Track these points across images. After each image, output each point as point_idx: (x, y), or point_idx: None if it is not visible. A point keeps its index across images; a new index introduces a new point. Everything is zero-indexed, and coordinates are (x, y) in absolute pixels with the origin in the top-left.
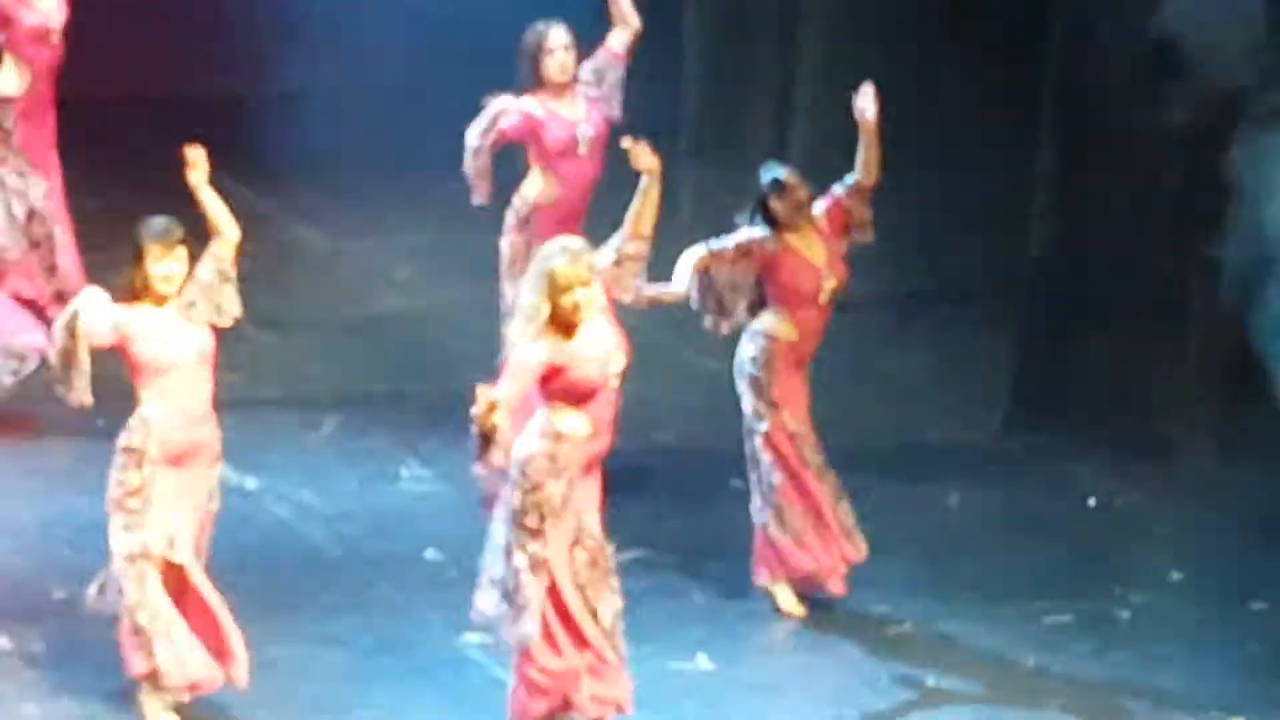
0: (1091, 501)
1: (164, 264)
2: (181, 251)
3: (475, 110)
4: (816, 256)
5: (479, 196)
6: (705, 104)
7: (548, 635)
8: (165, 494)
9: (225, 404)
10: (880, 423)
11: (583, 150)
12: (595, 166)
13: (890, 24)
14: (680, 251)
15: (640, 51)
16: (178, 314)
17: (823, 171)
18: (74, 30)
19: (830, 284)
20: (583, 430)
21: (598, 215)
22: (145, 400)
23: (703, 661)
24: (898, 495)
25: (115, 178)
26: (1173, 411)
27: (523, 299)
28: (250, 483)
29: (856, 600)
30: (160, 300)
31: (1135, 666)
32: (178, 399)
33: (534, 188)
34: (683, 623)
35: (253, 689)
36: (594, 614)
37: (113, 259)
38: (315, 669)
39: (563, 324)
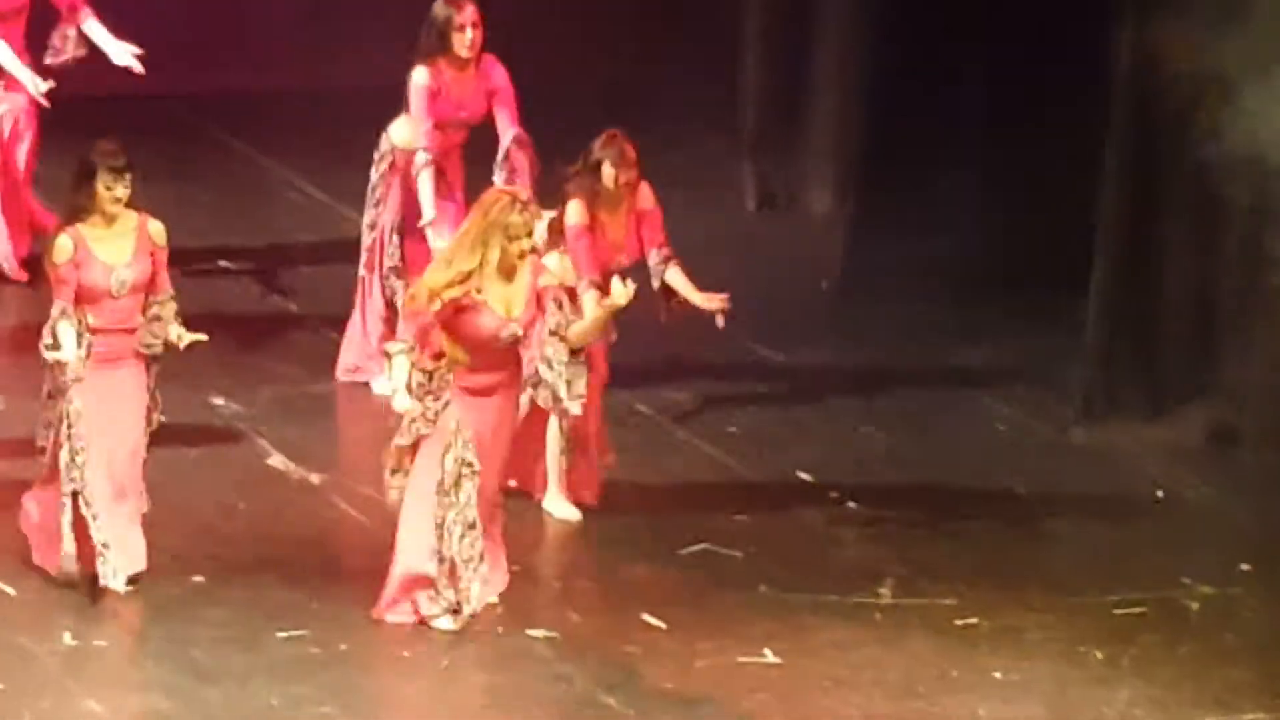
0: (1160, 493)
1: (115, 188)
2: (128, 176)
3: None
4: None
5: None
6: (765, 96)
7: None
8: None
9: (288, 397)
10: (948, 413)
11: None
12: None
13: (953, 17)
14: (743, 241)
15: (701, 44)
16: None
17: (884, 164)
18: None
19: None
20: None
21: None
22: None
23: (770, 655)
24: (966, 486)
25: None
26: (1242, 403)
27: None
28: (315, 478)
29: (925, 592)
30: (110, 220)
31: (1205, 659)
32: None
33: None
34: (750, 616)
35: (321, 680)
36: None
37: None
38: (378, 663)
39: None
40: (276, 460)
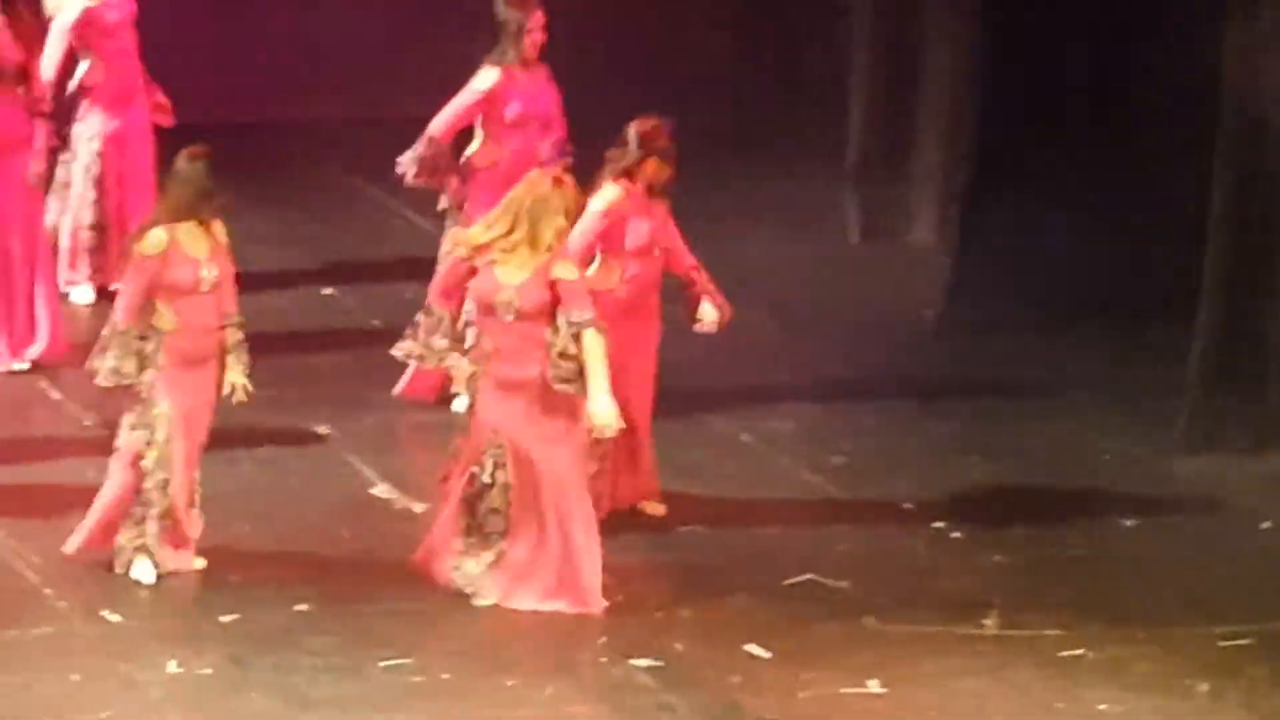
0: (1266, 524)
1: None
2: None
3: None
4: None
5: None
6: (870, 127)
7: None
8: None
9: (392, 426)
10: (1052, 443)
11: None
12: None
13: (1059, 41)
14: (847, 272)
15: (806, 72)
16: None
17: (988, 195)
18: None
19: None
20: None
21: None
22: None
23: (874, 686)
24: (1070, 517)
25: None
26: None
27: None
28: (417, 507)
29: (1029, 624)
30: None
31: None
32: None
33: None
34: (853, 647)
35: (423, 709)
36: None
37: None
38: (481, 692)
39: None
40: (380, 489)
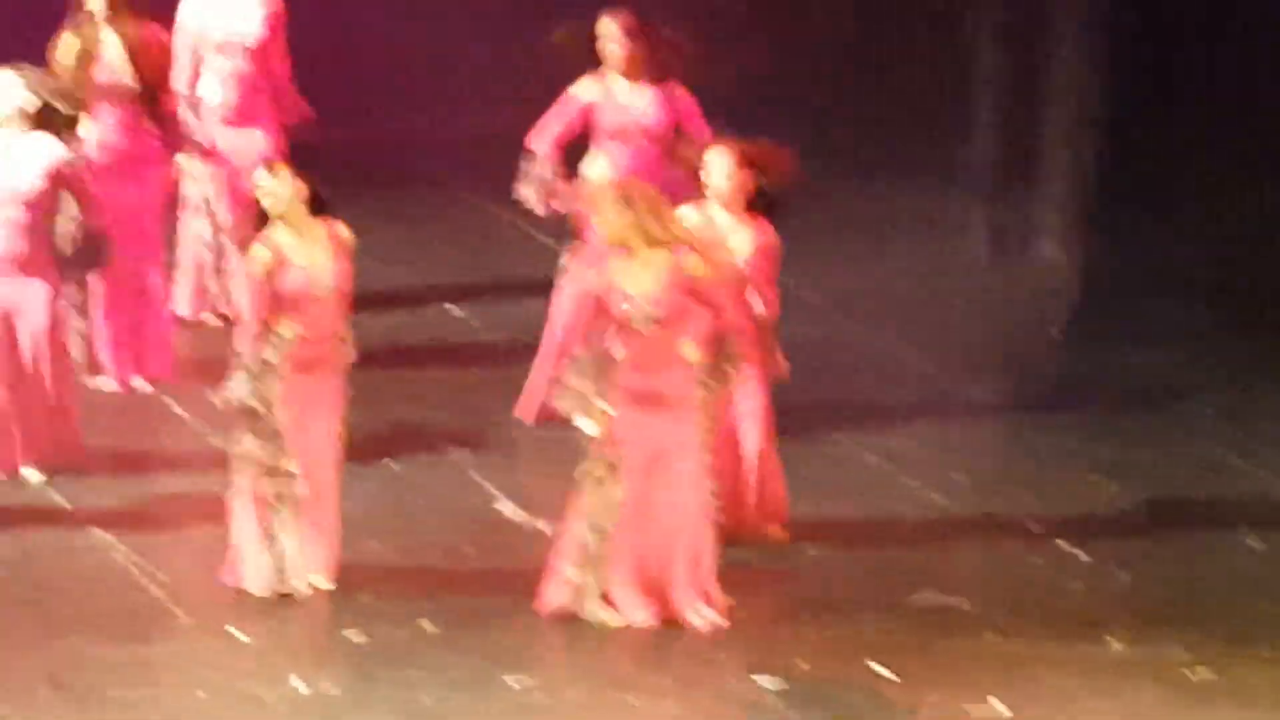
0: None
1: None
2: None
3: None
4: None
5: None
6: (998, 144)
7: None
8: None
9: (517, 443)
10: (1177, 463)
11: None
12: None
13: (1187, 54)
14: (975, 289)
15: (933, 95)
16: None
17: (1117, 212)
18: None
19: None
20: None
21: None
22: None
23: (997, 705)
24: (1195, 536)
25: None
26: None
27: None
28: (543, 525)
29: (1154, 643)
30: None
31: None
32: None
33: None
34: (977, 666)
35: None
36: None
37: None
38: (608, 711)
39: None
40: (505, 507)
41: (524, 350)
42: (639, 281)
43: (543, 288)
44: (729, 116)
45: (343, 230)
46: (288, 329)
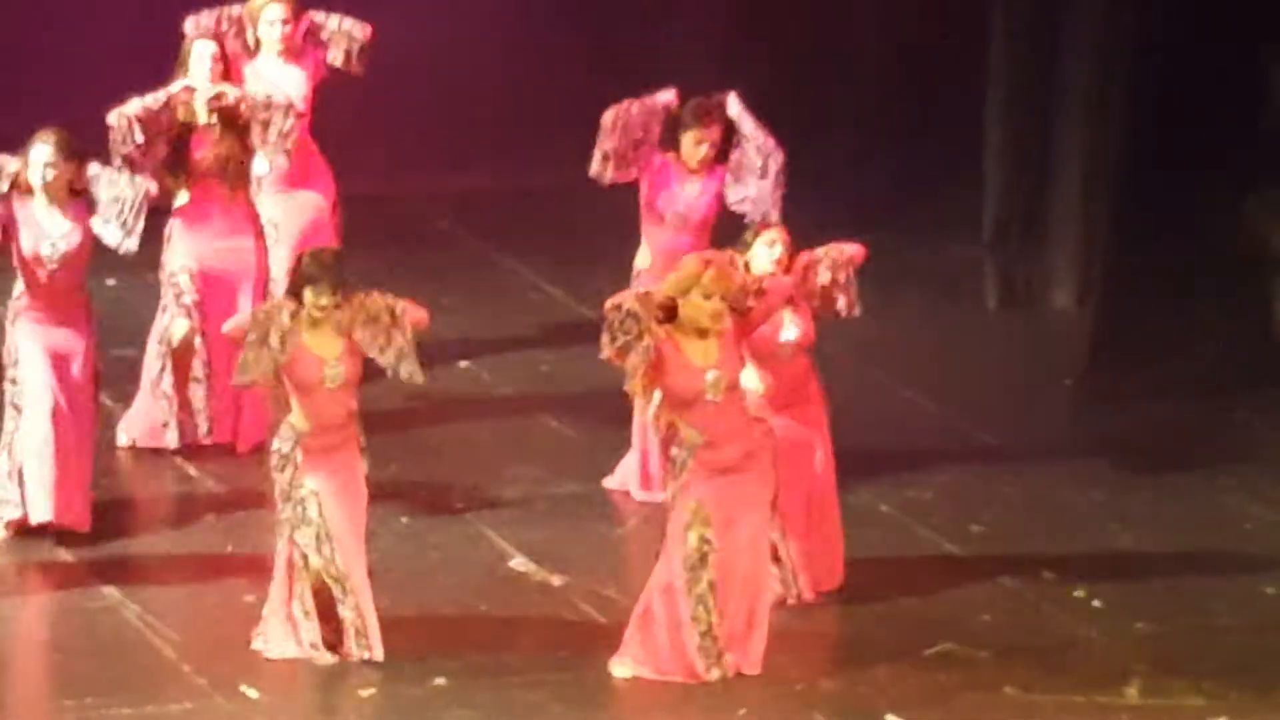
0: None
1: (321, 299)
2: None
3: None
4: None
5: None
6: (1007, 191)
7: None
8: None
9: (530, 498)
10: (1195, 512)
11: None
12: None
13: (1200, 102)
14: (985, 338)
15: (941, 142)
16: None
17: (1128, 259)
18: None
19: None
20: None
21: None
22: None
23: None
24: (1213, 586)
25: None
26: None
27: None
28: (556, 580)
29: (1172, 693)
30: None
31: None
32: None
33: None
34: (995, 716)
35: None
36: None
37: None
38: None
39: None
40: (518, 562)
41: (535, 405)
42: (706, 355)
43: (553, 342)
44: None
45: (373, 306)
46: (300, 420)
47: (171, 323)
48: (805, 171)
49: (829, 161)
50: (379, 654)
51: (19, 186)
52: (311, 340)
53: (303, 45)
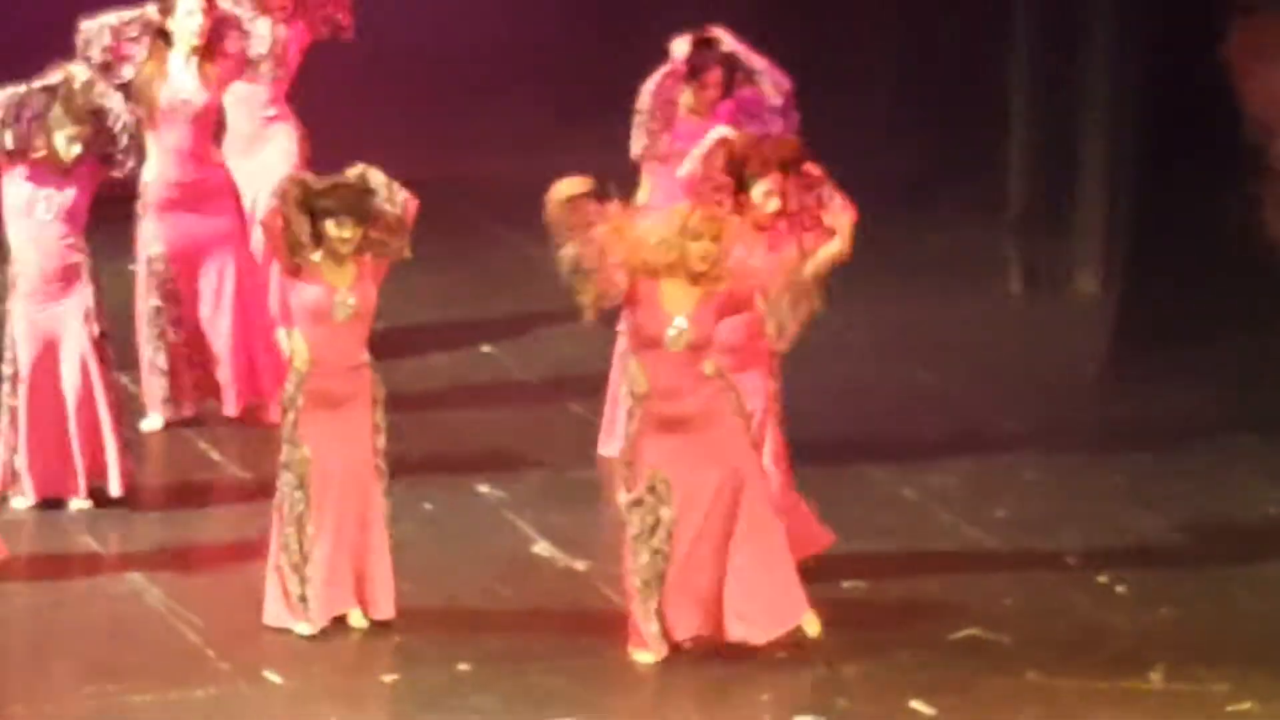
0: None
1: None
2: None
3: None
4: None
5: None
6: (1031, 177)
7: None
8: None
9: (552, 483)
10: (1219, 497)
11: None
12: None
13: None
14: (1008, 324)
15: (965, 123)
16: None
17: (1153, 245)
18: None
19: None
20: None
21: None
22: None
23: None
24: (1238, 571)
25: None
26: None
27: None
28: (579, 565)
29: (1196, 678)
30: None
31: None
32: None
33: None
34: (1018, 703)
35: None
36: None
37: None
38: None
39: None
40: (541, 547)
41: (557, 390)
42: (679, 303)
43: (575, 328)
44: None
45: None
46: (300, 357)
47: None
48: (829, 157)
49: (853, 147)
50: (387, 612)
51: None
52: (325, 266)
53: (291, 9)
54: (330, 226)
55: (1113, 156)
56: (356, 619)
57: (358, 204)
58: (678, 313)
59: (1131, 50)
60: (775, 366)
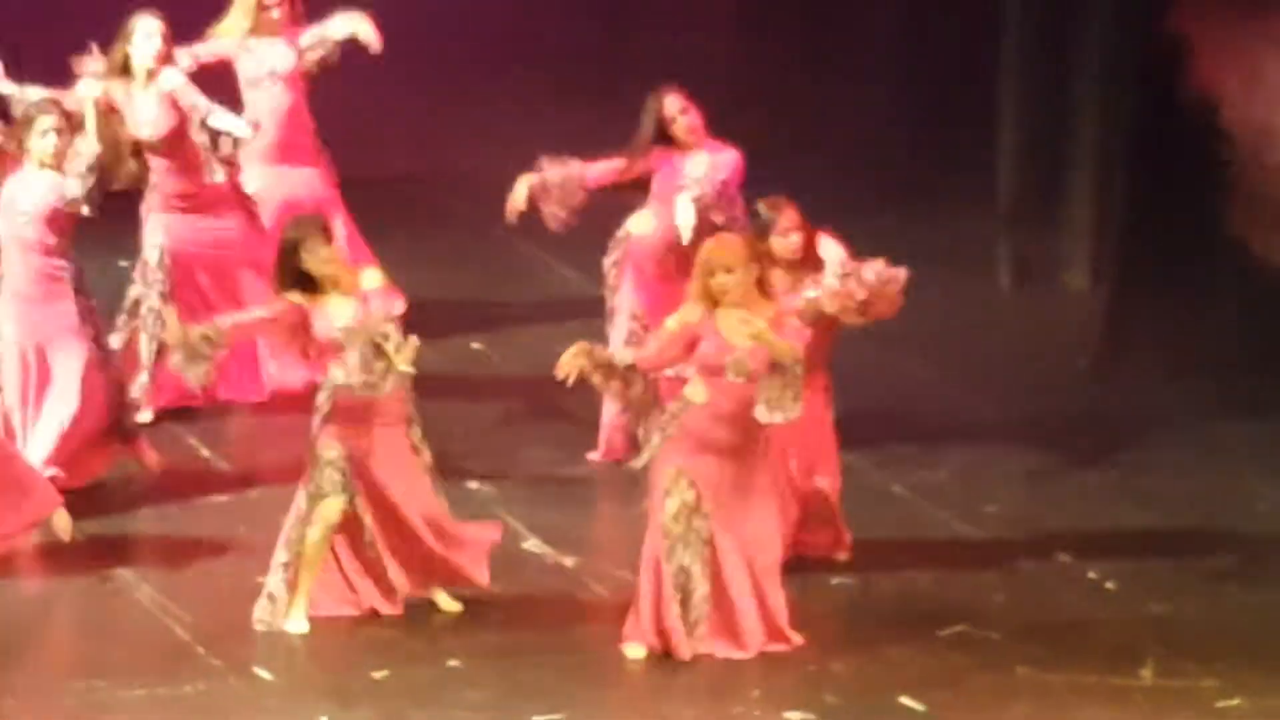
0: None
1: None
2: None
3: None
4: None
5: None
6: (1021, 172)
7: None
8: None
9: (542, 480)
10: (1209, 493)
11: None
12: None
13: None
14: (999, 319)
15: (957, 120)
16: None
17: (1143, 240)
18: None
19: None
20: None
21: None
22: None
23: None
24: (1229, 567)
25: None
26: None
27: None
28: (569, 561)
29: (1186, 673)
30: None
31: None
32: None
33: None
34: (1008, 698)
35: None
36: None
37: None
38: None
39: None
40: (531, 543)
41: (547, 387)
42: (739, 334)
43: (565, 323)
44: (758, 155)
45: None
46: (339, 373)
47: None
48: (823, 153)
49: (846, 142)
50: (388, 610)
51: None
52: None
53: (294, 21)
54: (305, 256)
55: (1103, 152)
56: (445, 602)
57: (315, 223)
58: (739, 343)
59: (1122, 47)
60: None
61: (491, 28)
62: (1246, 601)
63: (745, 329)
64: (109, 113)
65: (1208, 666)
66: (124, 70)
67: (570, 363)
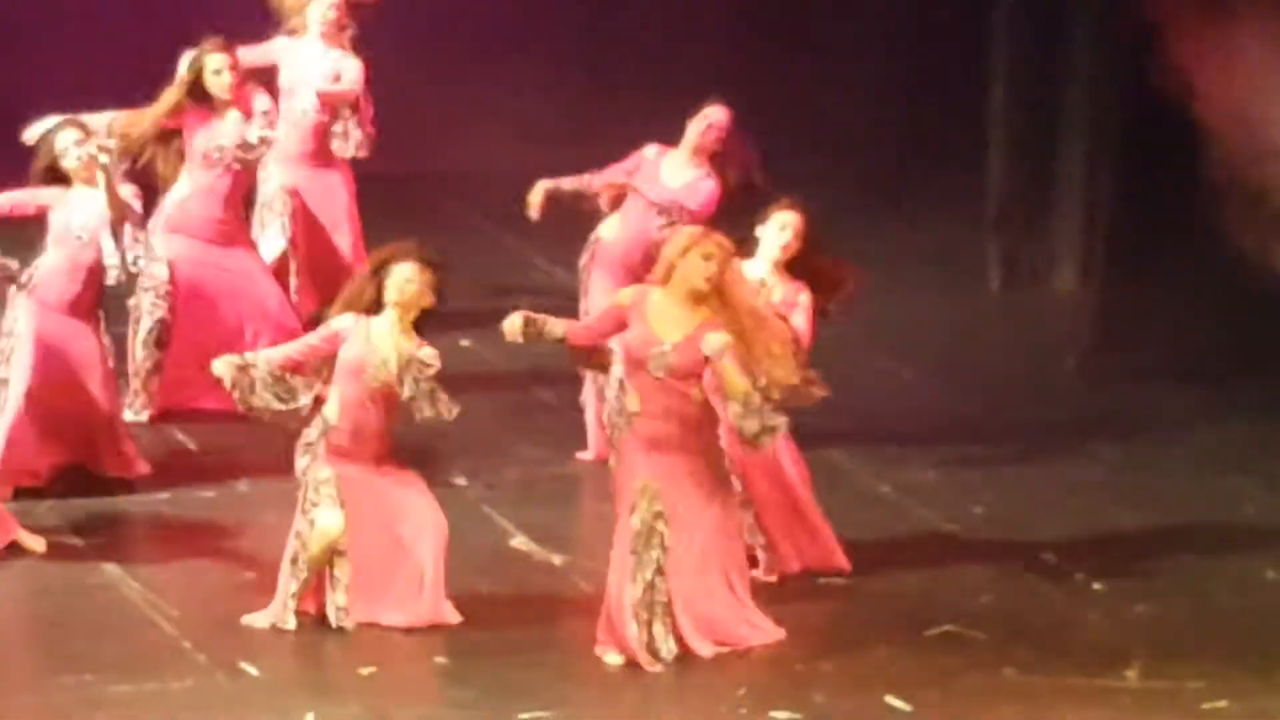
0: None
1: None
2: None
3: None
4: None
5: None
6: (1010, 174)
7: None
8: None
9: (531, 479)
10: (1195, 493)
11: None
12: None
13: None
14: (987, 320)
15: (946, 122)
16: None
17: (1131, 242)
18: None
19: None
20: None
21: None
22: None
23: None
24: (1213, 568)
25: None
26: None
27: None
28: (556, 559)
29: (1172, 675)
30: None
31: None
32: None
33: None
34: (994, 699)
35: None
36: None
37: None
38: None
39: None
40: (519, 541)
41: (535, 384)
42: (668, 328)
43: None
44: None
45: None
46: (334, 410)
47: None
48: (811, 154)
49: (835, 143)
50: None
51: None
52: (374, 328)
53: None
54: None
55: (1091, 154)
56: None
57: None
58: (665, 338)
59: (1110, 48)
60: None
61: (480, 25)
62: (1233, 603)
63: (714, 344)
64: (168, 134)
65: (1194, 668)
66: (193, 91)
67: (510, 329)
